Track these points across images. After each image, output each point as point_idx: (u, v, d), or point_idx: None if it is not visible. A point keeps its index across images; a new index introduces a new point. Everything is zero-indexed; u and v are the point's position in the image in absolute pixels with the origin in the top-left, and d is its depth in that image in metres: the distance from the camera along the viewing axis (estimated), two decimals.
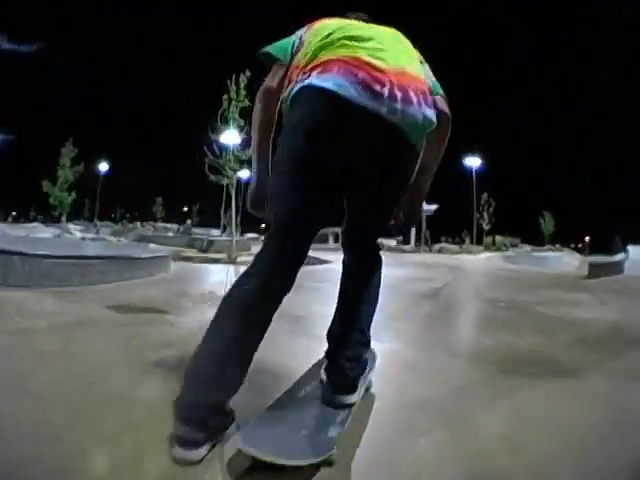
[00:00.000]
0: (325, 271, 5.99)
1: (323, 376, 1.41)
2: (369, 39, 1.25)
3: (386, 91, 1.14)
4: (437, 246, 24.82)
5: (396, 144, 1.19)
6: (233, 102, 9.43)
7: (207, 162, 9.26)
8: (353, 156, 1.17)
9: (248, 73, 9.49)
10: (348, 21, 1.36)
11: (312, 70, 1.19)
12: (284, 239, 1.17)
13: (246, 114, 9.16)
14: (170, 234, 17.90)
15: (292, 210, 1.17)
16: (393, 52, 1.24)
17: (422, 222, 26.97)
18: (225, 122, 9.45)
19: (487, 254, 21.34)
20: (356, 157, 1.18)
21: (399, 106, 1.14)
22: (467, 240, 27.80)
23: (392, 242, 27.06)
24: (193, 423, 1.04)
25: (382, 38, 1.28)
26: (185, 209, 47.97)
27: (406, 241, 28.45)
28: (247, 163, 9.20)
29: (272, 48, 1.35)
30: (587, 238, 33.89)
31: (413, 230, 27.36)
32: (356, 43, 1.23)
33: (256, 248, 1.38)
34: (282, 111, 1.29)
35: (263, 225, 9.02)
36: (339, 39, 1.24)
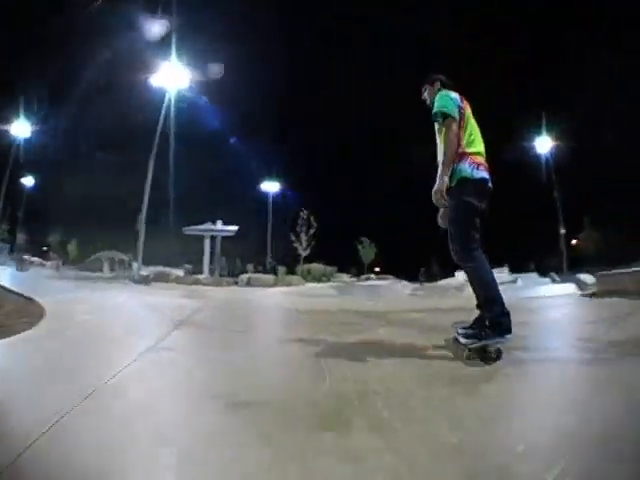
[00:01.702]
0: None
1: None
2: (479, 135, 2.79)
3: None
4: (244, 276, 18.18)
5: None
6: None
7: None
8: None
9: None
10: (469, 109, 2.80)
11: (477, 162, 2.64)
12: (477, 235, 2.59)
13: None
14: None
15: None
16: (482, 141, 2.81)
17: (216, 245, 19.44)
18: None
19: (313, 285, 17.97)
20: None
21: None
22: (280, 269, 20.71)
23: (179, 271, 19.44)
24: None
25: (477, 129, 2.80)
26: None
27: (197, 270, 20.77)
28: None
29: (451, 111, 2.65)
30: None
31: (206, 253, 19.71)
32: (479, 140, 2.76)
33: None
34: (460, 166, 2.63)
35: None
36: (477, 136, 2.76)
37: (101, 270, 22.35)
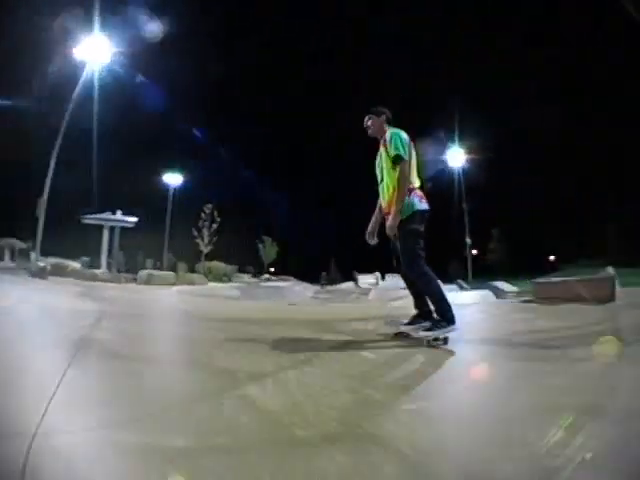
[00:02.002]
0: None
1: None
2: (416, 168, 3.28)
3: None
4: (144, 273, 17.74)
5: None
6: None
7: None
8: None
9: None
10: (413, 147, 3.24)
11: (420, 195, 3.16)
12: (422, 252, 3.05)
13: None
14: None
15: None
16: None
17: (114, 237, 19.48)
18: None
19: (215, 284, 18.00)
20: None
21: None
22: (180, 266, 21.29)
23: (76, 264, 19.06)
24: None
25: (415, 163, 3.28)
26: None
27: (95, 263, 20.61)
28: None
29: (405, 154, 3.08)
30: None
31: (104, 246, 19.66)
32: (417, 174, 3.25)
33: None
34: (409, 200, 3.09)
35: None
36: (416, 171, 3.25)
37: (2, 258, 20.87)
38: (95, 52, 18.70)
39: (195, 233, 21.85)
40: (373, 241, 3.45)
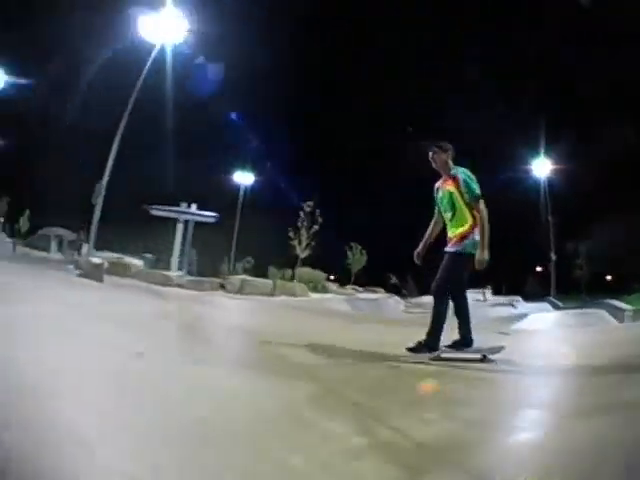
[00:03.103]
0: None
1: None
2: None
3: None
4: (235, 278, 14.43)
5: None
6: None
7: None
8: None
9: None
10: None
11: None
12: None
13: None
14: None
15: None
16: None
17: (188, 234, 15.04)
18: None
19: (320, 296, 15.42)
20: None
21: None
22: (273, 272, 16.95)
23: (138, 262, 14.86)
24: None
25: None
26: None
27: (162, 262, 16.34)
28: None
29: (480, 192, 3.45)
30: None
31: (177, 243, 15.24)
32: None
33: None
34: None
35: None
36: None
37: (47, 249, 17.55)
38: (167, 32, 15.66)
39: (291, 234, 17.57)
40: (419, 261, 3.80)
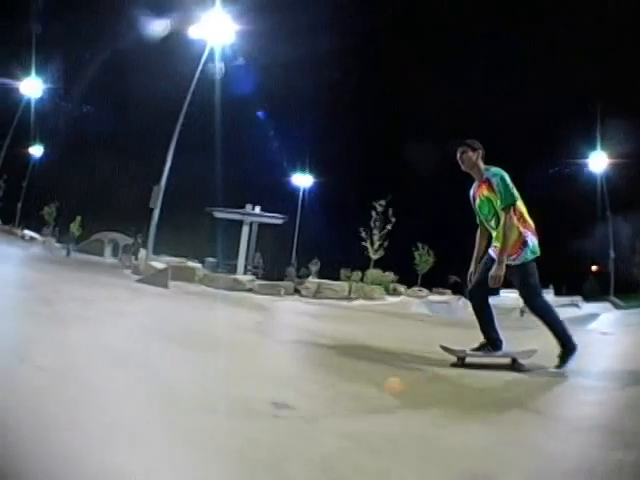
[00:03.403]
0: None
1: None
2: None
3: None
4: (310, 282, 13.59)
5: None
6: None
7: None
8: None
9: None
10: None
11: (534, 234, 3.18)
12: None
13: None
14: None
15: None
16: None
17: (252, 236, 14.32)
18: None
19: (396, 299, 14.74)
20: None
21: None
22: (350, 274, 15.92)
23: (200, 266, 14.28)
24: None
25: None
26: None
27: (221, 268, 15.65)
28: None
29: (514, 200, 3.06)
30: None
31: (243, 246, 14.56)
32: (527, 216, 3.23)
33: None
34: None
35: None
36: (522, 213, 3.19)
37: (101, 254, 17.48)
38: (220, 31, 14.97)
39: (364, 234, 16.41)
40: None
